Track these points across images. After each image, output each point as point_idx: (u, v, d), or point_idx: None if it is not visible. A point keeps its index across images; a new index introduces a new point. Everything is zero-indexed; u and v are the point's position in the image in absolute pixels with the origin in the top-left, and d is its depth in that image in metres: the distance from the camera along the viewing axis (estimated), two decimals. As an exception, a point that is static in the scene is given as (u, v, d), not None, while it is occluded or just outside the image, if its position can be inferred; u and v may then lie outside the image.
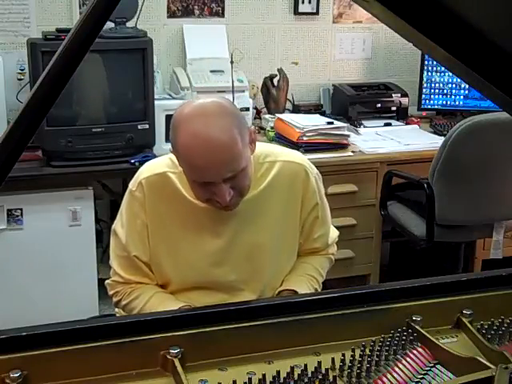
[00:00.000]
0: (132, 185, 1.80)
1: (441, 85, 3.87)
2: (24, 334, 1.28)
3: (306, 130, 3.21)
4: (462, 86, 3.83)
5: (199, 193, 1.67)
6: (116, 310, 2.01)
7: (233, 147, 1.58)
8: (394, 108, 3.81)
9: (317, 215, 1.89)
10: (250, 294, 1.82)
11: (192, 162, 1.60)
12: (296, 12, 3.83)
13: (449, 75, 3.82)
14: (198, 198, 1.70)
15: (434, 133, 3.67)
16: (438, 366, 1.36)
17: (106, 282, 1.90)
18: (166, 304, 1.75)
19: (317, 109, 3.83)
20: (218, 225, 1.77)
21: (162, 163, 1.81)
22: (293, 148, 3.11)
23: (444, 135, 3.23)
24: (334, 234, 2.03)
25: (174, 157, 1.72)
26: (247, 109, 3.36)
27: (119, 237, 1.81)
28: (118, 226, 1.82)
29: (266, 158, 1.81)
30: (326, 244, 1.98)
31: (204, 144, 1.56)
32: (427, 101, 3.90)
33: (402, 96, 3.81)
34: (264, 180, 1.79)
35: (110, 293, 1.88)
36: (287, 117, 3.40)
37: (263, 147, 1.84)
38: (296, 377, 1.30)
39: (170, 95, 3.44)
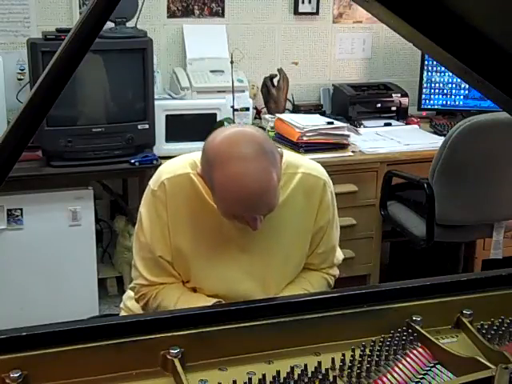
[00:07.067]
0: (153, 184, 1.77)
1: (441, 85, 3.87)
2: (24, 334, 1.28)
3: (306, 130, 3.21)
4: (462, 86, 3.83)
5: (228, 218, 1.66)
6: (122, 306, 2.00)
7: (270, 189, 1.57)
8: (394, 108, 3.81)
9: (326, 231, 1.86)
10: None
11: (228, 203, 1.59)
12: (296, 12, 3.83)
13: (449, 75, 3.82)
14: (226, 217, 1.67)
15: (434, 133, 3.67)
16: (438, 366, 1.36)
17: (130, 286, 1.88)
18: (197, 302, 1.74)
19: (317, 109, 3.83)
20: (236, 230, 1.75)
21: (183, 164, 1.77)
22: (292, 148, 3.13)
23: (444, 135, 3.23)
24: (339, 256, 1.98)
25: (196, 158, 1.71)
26: (247, 109, 3.35)
27: (143, 238, 1.78)
28: (141, 228, 1.79)
29: (287, 170, 1.78)
30: (325, 263, 1.92)
31: (243, 191, 1.54)
32: (427, 101, 3.89)
33: (402, 96, 3.81)
34: (284, 192, 1.76)
35: (136, 296, 1.84)
36: (287, 117, 3.40)
37: (284, 157, 1.76)
38: (296, 377, 1.30)
39: (169, 95, 3.43)
